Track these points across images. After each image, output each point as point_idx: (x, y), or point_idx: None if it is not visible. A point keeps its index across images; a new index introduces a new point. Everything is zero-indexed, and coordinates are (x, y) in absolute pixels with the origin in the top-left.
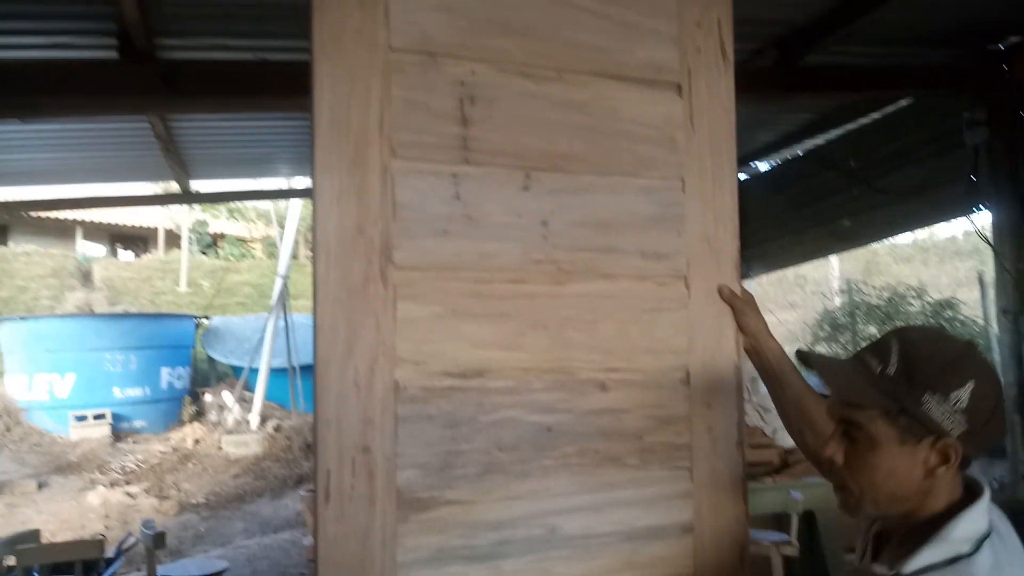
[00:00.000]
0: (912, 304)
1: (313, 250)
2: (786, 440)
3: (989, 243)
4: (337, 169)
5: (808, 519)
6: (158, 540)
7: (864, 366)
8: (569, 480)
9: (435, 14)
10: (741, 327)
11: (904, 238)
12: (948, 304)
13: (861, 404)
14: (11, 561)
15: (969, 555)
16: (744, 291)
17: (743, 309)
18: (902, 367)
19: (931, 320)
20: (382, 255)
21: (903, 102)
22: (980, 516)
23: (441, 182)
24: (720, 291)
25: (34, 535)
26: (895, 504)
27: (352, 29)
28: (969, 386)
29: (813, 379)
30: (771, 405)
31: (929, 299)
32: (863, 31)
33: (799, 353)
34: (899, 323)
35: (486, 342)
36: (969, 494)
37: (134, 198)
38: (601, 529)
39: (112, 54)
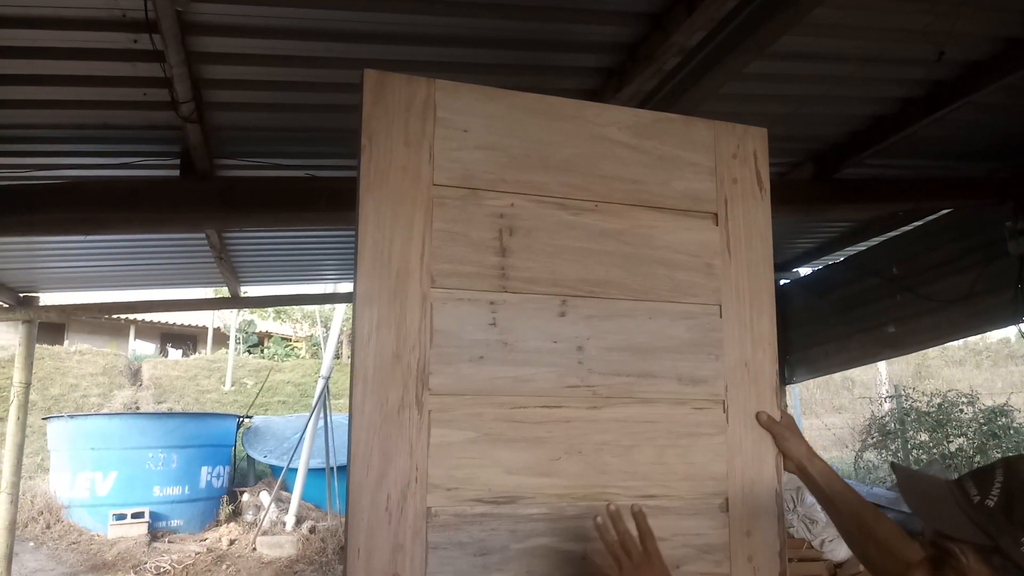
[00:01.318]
0: (964, 411)
1: (351, 378)
2: (836, 553)
3: None
4: (378, 300)
5: None
6: None
7: (963, 492)
8: None
9: (478, 152)
10: (784, 452)
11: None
12: (1002, 412)
13: (956, 536)
14: None
15: None
16: (784, 415)
17: (783, 434)
18: (1003, 501)
19: (983, 427)
20: (418, 381)
21: (943, 211)
22: None
23: (479, 309)
24: (758, 417)
25: None
26: None
27: (397, 166)
28: None
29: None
30: (818, 516)
31: (982, 405)
32: (899, 146)
33: (892, 465)
34: (957, 432)
35: (519, 468)
36: None
37: (185, 302)
38: None
39: (174, 172)
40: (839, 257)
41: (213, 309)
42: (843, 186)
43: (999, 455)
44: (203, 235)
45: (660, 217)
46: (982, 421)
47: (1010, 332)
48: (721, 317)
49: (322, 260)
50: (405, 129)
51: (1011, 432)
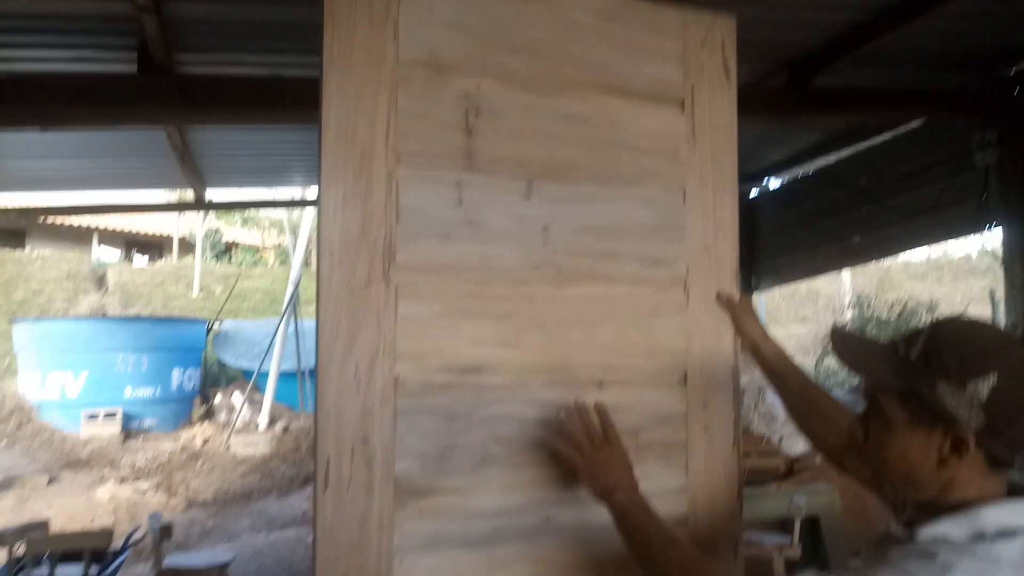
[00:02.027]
0: (923, 319)
1: (317, 251)
2: (793, 448)
3: (995, 256)
4: (342, 175)
5: (812, 524)
6: (165, 531)
7: (892, 349)
8: (565, 472)
9: (443, 31)
10: (740, 331)
11: (918, 255)
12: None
13: (878, 384)
14: (21, 550)
15: (993, 539)
16: (742, 297)
17: (740, 314)
18: (923, 353)
19: None
20: (385, 256)
21: (914, 123)
22: (1019, 513)
23: (445, 188)
24: (718, 297)
25: (43, 525)
26: (912, 489)
27: (361, 44)
28: (991, 379)
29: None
30: (778, 414)
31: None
32: (873, 55)
33: (832, 328)
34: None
35: (485, 340)
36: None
37: (149, 206)
38: (596, 521)
39: (132, 68)
40: (809, 170)
41: (178, 211)
42: (816, 95)
43: None
44: (164, 133)
45: (626, 102)
46: None
47: (971, 248)
48: (684, 202)
49: (289, 164)
50: (369, 6)
51: None
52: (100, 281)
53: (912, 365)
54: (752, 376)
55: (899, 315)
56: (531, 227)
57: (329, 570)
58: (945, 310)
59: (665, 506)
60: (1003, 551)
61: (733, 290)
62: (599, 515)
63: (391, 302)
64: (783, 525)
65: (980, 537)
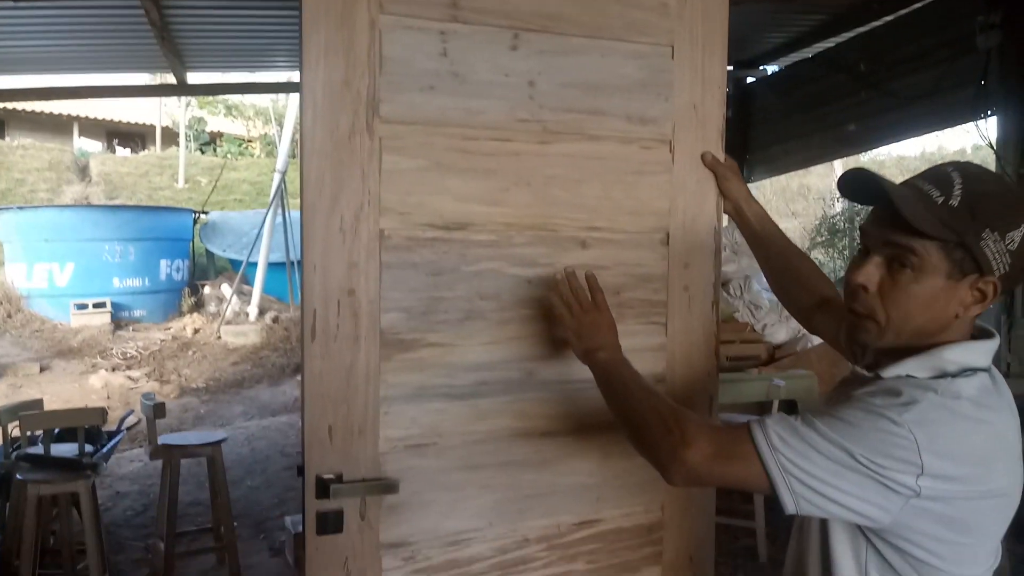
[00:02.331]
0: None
1: (300, 103)
2: (775, 335)
3: (992, 147)
4: (324, 24)
5: (789, 407)
6: (158, 410)
7: (923, 194)
8: (547, 329)
9: None
10: (724, 192)
11: (912, 150)
12: None
13: (921, 231)
14: (15, 431)
15: (954, 376)
16: (728, 158)
17: (725, 175)
18: (966, 200)
19: None
20: (368, 108)
21: (917, 4)
22: (979, 353)
23: (429, 38)
24: (703, 157)
25: (37, 404)
26: (917, 337)
27: None
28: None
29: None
30: (762, 302)
31: None
32: None
33: (855, 171)
34: None
35: (470, 196)
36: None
37: (129, 87)
38: (576, 376)
39: None
40: (807, 54)
41: (160, 95)
42: None
43: None
44: (141, 8)
45: None
46: None
47: (965, 143)
48: (673, 59)
49: (273, 46)
50: None
51: None
52: (83, 171)
53: (955, 213)
54: (739, 265)
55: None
56: (517, 81)
57: (317, 419)
58: None
59: (644, 363)
60: (964, 386)
61: (719, 151)
62: (580, 370)
63: (375, 155)
64: (762, 407)
65: (943, 375)
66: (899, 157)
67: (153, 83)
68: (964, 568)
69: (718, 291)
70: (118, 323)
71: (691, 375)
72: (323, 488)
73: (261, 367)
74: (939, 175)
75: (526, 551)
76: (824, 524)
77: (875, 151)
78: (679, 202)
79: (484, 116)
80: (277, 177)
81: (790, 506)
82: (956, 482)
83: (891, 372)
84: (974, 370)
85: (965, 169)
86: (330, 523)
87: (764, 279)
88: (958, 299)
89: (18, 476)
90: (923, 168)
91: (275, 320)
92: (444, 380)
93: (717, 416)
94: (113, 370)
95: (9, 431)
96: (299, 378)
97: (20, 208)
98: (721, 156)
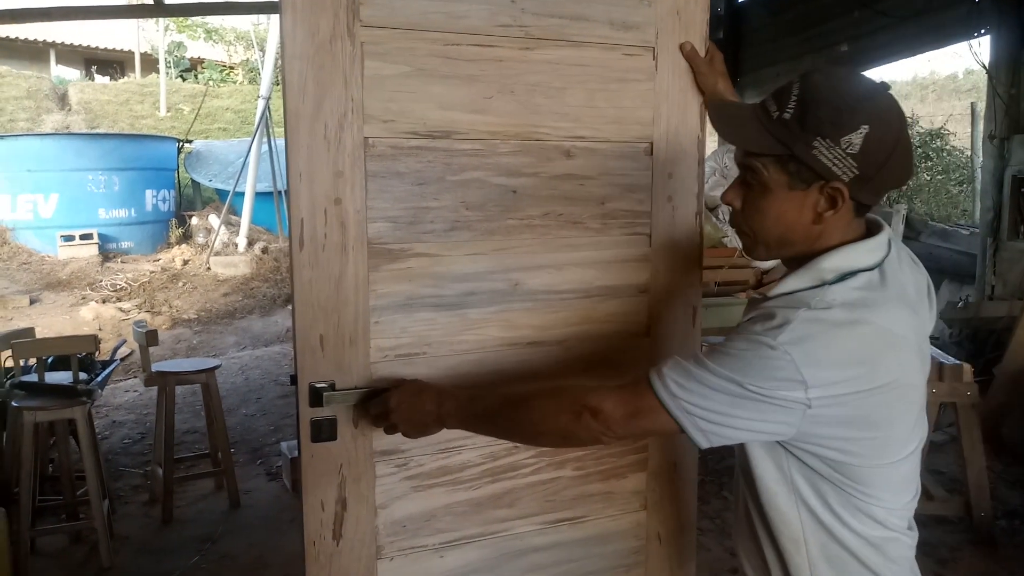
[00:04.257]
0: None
1: (280, 7)
2: (762, 262)
3: (984, 67)
4: None
5: None
6: (151, 337)
7: (764, 111)
8: (532, 240)
9: None
10: (701, 87)
11: (904, 74)
12: (937, 134)
13: (757, 151)
14: (8, 361)
15: (832, 283)
16: (715, 52)
17: (703, 70)
18: (798, 112)
19: (918, 150)
20: (348, 11)
21: None
22: (862, 253)
23: None
24: (682, 47)
25: (29, 332)
26: (785, 247)
27: None
28: (863, 131)
29: None
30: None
31: (920, 128)
32: None
33: (714, 104)
34: None
35: (453, 104)
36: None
37: (104, 8)
38: (562, 286)
39: None
40: None
41: (135, 17)
42: None
43: (928, 178)
44: None
45: None
46: (917, 143)
47: (957, 67)
48: None
49: None
50: None
51: (943, 154)
52: (62, 100)
53: (787, 125)
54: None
55: None
56: None
57: (308, 328)
58: (926, 126)
59: (627, 275)
60: (837, 293)
61: (701, 51)
62: (565, 282)
63: (357, 61)
64: None
65: (822, 284)
66: (890, 81)
67: (130, 3)
68: (882, 458)
69: (701, 202)
70: (106, 255)
71: (674, 286)
72: (316, 396)
73: (252, 298)
74: (783, 89)
75: (515, 458)
76: (743, 450)
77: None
78: (663, 111)
79: (466, 20)
80: (261, 103)
81: (702, 442)
82: (842, 385)
83: (776, 291)
84: (855, 272)
85: (806, 79)
86: (324, 431)
87: None
88: (810, 207)
89: (13, 403)
90: (914, 93)
91: (264, 251)
92: (432, 290)
93: (699, 330)
94: (103, 302)
95: (2, 360)
96: (291, 308)
97: (0, 137)
98: (702, 51)
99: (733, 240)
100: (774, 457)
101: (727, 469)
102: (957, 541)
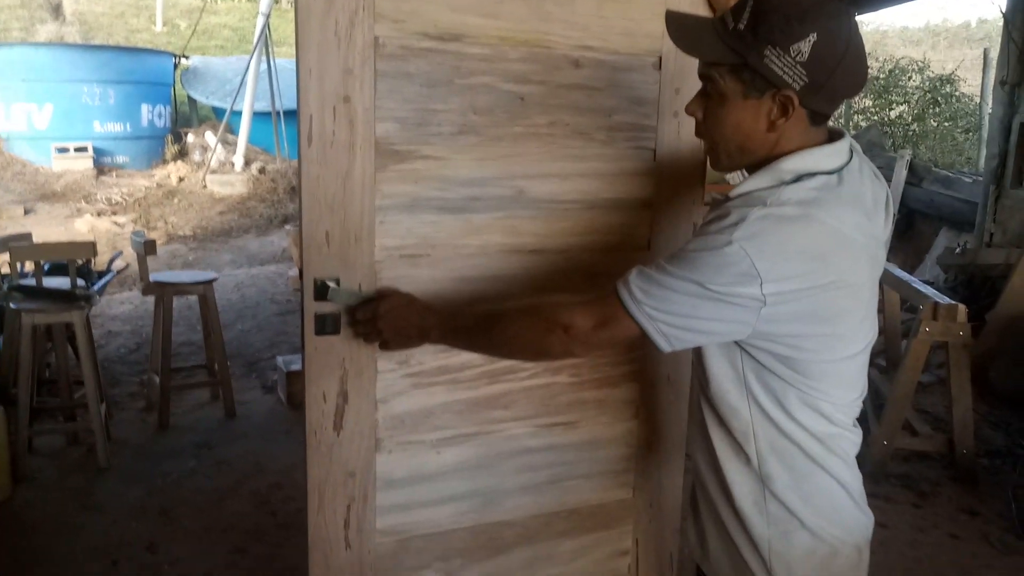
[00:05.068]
0: (912, 79)
1: None
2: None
3: (1001, 11)
4: None
5: None
6: (148, 247)
7: (722, 23)
8: (538, 148)
9: None
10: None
11: (916, 21)
12: (948, 80)
13: (712, 60)
14: (5, 267)
15: (788, 184)
16: None
17: None
18: (751, 22)
19: (927, 95)
20: None
21: None
22: (820, 157)
23: None
24: None
25: (26, 237)
26: (745, 155)
27: None
28: (811, 38)
29: None
30: None
31: (930, 74)
32: None
33: (666, 13)
34: (900, 99)
35: (464, 6)
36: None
37: None
38: (566, 196)
39: None
40: None
41: None
42: None
43: (935, 124)
44: None
45: None
46: (927, 88)
47: (970, 15)
48: None
49: None
50: None
51: (952, 100)
52: (56, 10)
53: (741, 36)
54: None
55: (889, 72)
56: None
57: (315, 224)
58: (936, 72)
59: (630, 188)
60: (793, 192)
61: None
62: (569, 192)
63: None
64: None
65: (780, 184)
66: (903, 28)
67: None
68: (831, 354)
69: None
70: (101, 169)
71: (677, 201)
72: (321, 290)
73: (248, 217)
74: (740, 2)
75: (513, 362)
76: (697, 348)
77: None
78: None
79: None
80: (261, 20)
81: (664, 345)
82: (795, 279)
83: (736, 191)
84: (813, 174)
85: None
86: (328, 324)
87: None
88: (764, 115)
89: (12, 306)
90: (926, 39)
91: (261, 171)
92: (438, 193)
93: None
94: (99, 215)
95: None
96: (287, 228)
97: None
98: None
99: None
100: (728, 356)
101: None
102: (938, 476)
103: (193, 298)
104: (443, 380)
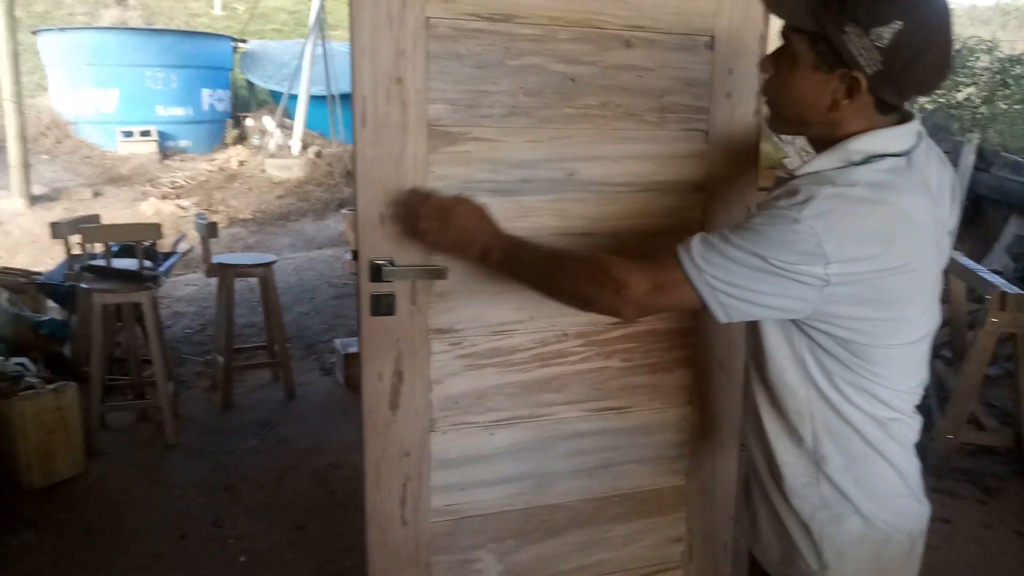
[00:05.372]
0: (980, 59)
1: None
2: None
3: None
4: None
5: None
6: (211, 229)
7: None
8: (590, 130)
9: None
10: None
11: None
12: (1018, 61)
13: (792, 23)
14: (76, 248)
15: (858, 164)
16: None
17: None
18: None
19: (996, 76)
20: None
21: None
22: (890, 139)
23: None
24: None
25: (94, 219)
26: (802, 127)
27: None
28: (895, 25)
29: None
30: (804, 142)
31: (999, 54)
32: None
33: None
34: (968, 80)
35: None
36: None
37: None
38: (617, 179)
39: None
40: None
41: None
42: None
43: (1006, 107)
44: None
45: None
46: (996, 70)
47: None
48: None
49: None
50: None
51: (1023, 82)
52: None
53: (827, 5)
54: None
55: (957, 51)
56: None
57: (370, 205)
58: (1006, 53)
59: (682, 171)
60: (863, 173)
61: None
62: (620, 175)
63: None
64: None
65: (849, 164)
66: (971, 6)
67: None
68: (892, 339)
69: (760, 100)
70: (164, 152)
71: (729, 184)
72: (376, 272)
73: (306, 201)
74: None
75: (564, 345)
76: (756, 323)
77: None
78: (725, 3)
79: None
80: (316, 4)
81: (722, 316)
82: (861, 262)
83: (804, 170)
84: (882, 156)
85: None
86: (383, 305)
87: None
88: (829, 91)
89: (83, 286)
90: (995, 18)
91: (318, 155)
92: (488, 175)
93: None
94: (163, 198)
95: (71, 246)
96: (343, 212)
97: (61, 29)
98: None
99: (795, 161)
100: (786, 334)
101: None
102: (1004, 472)
103: (254, 280)
104: (495, 362)
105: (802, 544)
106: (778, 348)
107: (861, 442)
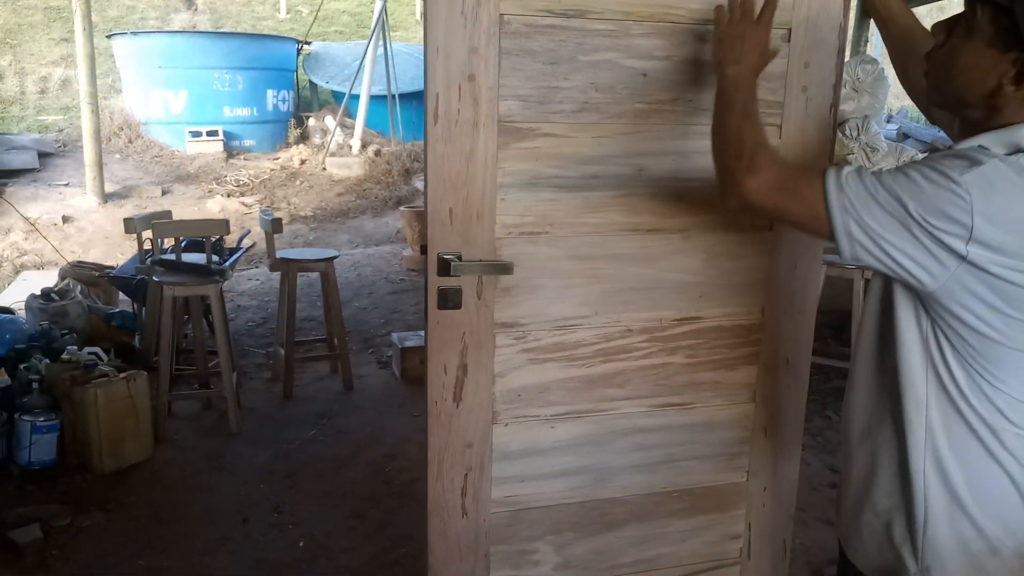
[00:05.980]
0: None
1: None
2: None
3: None
4: None
5: None
6: (275, 224)
7: None
8: (660, 125)
9: None
10: None
11: None
12: None
13: None
14: (148, 243)
15: None
16: None
17: None
18: None
19: None
20: None
21: None
22: None
23: None
24: None
25: (166, 215)
26: (958, 107)
27: None
28: None
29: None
30: (879, 145)
31: None
32: None
33: None
34: None
35: None
36: None
37: None
38: (686, 174)
39: None
40: None
41: None
42: None
43: None
44: None
45: None
46: None
47: None
48: None
49: None
50: None
51: None
52: (190, 0)
53: None
54: (858, 104)
55: None
56: None
57: (439, 201)
58: None
59: None
60: None
61: None
62: (691, 169)
63: None
64: None
65: (1017, 151)
66: None
67: None
68: (1020, 343)
69: (838, 93)
70: (230, 151)
71: None
72: (444, 266)
73: (365, 199)
74: None
75: (628, 340)
76: (888, 296)
77: None
78: None
79: None
80: (379, 5)
81: (846, 248)
82: (1002, 253)
83: (966, 143)
84: None
85: None
86: (450, 299)
87: (883, 121)
88: (998, 73)
89: (154, 279)
90: None
91: (377, 153)
92: (557, 171)
93: None
94: (228, 196)
95: (143, 243)
96: (401, 209)
97: (134, 33)
98: None
99: (859, 158)
100: (915, 311)
101: (833, 390)
102: None
103: (314, 275)
104: (558, 357)
105: (902, 544)
106: (907, 328)
107: (977, 444)
